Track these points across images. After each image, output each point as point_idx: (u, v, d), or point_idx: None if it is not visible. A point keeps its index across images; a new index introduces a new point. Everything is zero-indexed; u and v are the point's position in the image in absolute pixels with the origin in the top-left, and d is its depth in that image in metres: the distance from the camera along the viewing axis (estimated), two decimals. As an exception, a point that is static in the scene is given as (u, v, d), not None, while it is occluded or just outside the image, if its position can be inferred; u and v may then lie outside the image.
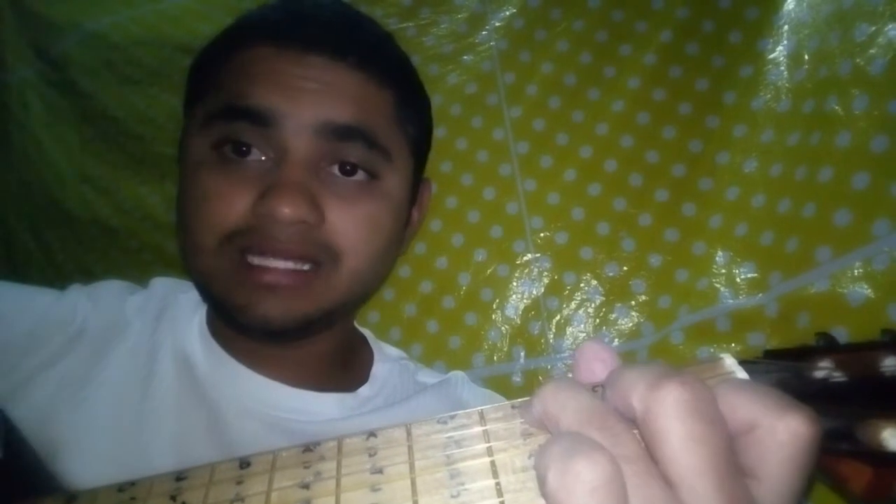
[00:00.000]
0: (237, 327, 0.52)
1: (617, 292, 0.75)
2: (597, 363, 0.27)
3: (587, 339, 0.74)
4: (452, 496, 0.25)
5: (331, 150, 0.51)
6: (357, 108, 0.52)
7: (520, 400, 0.27)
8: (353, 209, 0.52)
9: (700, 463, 0.22)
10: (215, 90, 0.53)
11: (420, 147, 0.62)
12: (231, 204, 0.50)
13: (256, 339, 0.53)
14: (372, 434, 0.28)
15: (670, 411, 0.23)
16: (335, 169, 0.52)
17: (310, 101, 0.51)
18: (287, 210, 0.48)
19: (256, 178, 0.50)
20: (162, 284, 0.63)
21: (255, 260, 0.49)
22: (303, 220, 0.49)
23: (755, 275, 0.70)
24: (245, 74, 0.52)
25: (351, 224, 0.52)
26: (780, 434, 0.23)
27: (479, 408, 0.28)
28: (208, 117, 0.52)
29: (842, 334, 0.61)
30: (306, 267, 0.51)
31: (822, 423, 0.22)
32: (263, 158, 0.51)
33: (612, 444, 0.23)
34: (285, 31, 0.53)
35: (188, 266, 0.54)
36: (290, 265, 0.50)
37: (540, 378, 0.74)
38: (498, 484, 0.25)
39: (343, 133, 0.51)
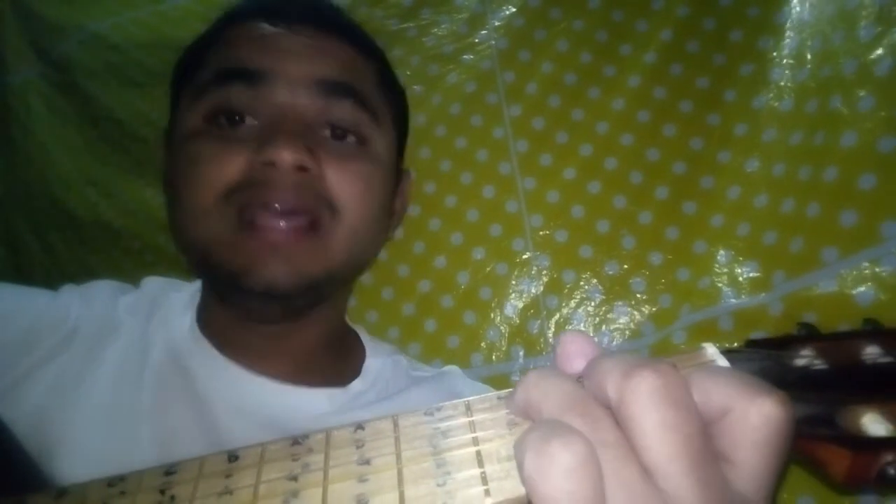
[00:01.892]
0: (242, 296, 0.52)
1: (617, 291, 0.74)
2: (576, 353, 0.27)
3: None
4: (438, 485, 0.25)
5: (323, 108, 0.53)
6: (346, 69, 0.55)
7: (506, 391, 0.27)
8: (347, 166, 0.53)
9: (673, 449, 0.22)
10: (205, 65, 0.55)
11: (400, 125, 0.64)
12: (227, 162, 0.50)
13: (257, 310, 0.53)
14: (360, 427, 0.29)
15: (643, 399, 0.23)
16: (327, 132, 0.53)
17: (301, 60, 0.53)
18: (286, 154, 0.48)
19: (251, 139, 0.51)
20: (153, 283, 0.63)
21: (256, 218, 0.49)
22: (303, 164, 0.50)
23: (758, 274, 0.69)
24: (236, 44, 0.54)
25: (348, 180, 0.53)
26: (753, 418, 0.23)
27: (465, 399, 0.28)
28: (199, 88, 0.53)
29: (848, 336, 0.61)
30: (306, 223, 0.51)
31: (802, 409, 0.23)
32: (257, 123, 0.52)
33: (592, 429, 0.23)
34: (274, 8, 0.56)
35: (183, 239, 0.53)
36: (290, 222, 0.50)
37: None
38: (483, 473, 0.25)
39: (334, 89, 0.53)
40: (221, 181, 0.50)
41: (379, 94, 0.58)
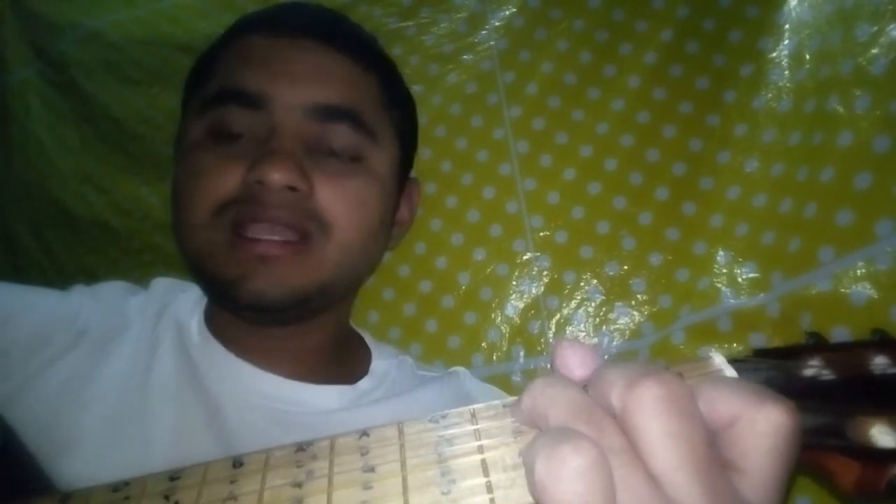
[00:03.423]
0: (232, 306, 0.53)
1: (617, 291, 0.74)
2: (576, 364, 0.27)
3: (586, 338, 0.74)
4: (443, 493, 0.25)
5: (319, 132, 0.53)
6: (344, 90, 0.55)
7: (511, 398, 0.28)
8: (341, 184, 0.53)
9: (678, 458, 0.22)
10: (211, 78, 0.56)
11: (406, 137, 0.64)
12: (223, 177, 0.51)
13: (252, 319, 0.54)
14: (364, 433, 0.29)
15: (647, 408, 0.23)
16: (323, 149, 0.54)
17: (299, 83, 0.53)
18: (277, 175, 0.49)
19: (248, 154, 0.51)
20: (162, 284, 0.64)
21: (247, 231, 0.50)
22: (292, 184, 0.50)
23: (757, 275, 0.69)
24: (238, 60, 0.55)
25: (340, 197, 0.53)
26: (760, 425, 0.23)
27: (470, 407, 0.28)
28: (203, 102, 0.54)
29: (844, 334, 0.61)
30: (296, 238, 0.51)
31: (810, 420, 0.23)
32: (255, 139, 0.53)
33: (599, 437, 0.23)
34: (277, 21, 0.57)
35: (181, 246, 0.54)
36: (280, 236, 0.51)
37: (540, 378, 0.74)
38: (489, 481, 0.25)
39: (331, 114, 0.54)
40: (216, 196, 0.51)
41: (379, 110, 0.59)
